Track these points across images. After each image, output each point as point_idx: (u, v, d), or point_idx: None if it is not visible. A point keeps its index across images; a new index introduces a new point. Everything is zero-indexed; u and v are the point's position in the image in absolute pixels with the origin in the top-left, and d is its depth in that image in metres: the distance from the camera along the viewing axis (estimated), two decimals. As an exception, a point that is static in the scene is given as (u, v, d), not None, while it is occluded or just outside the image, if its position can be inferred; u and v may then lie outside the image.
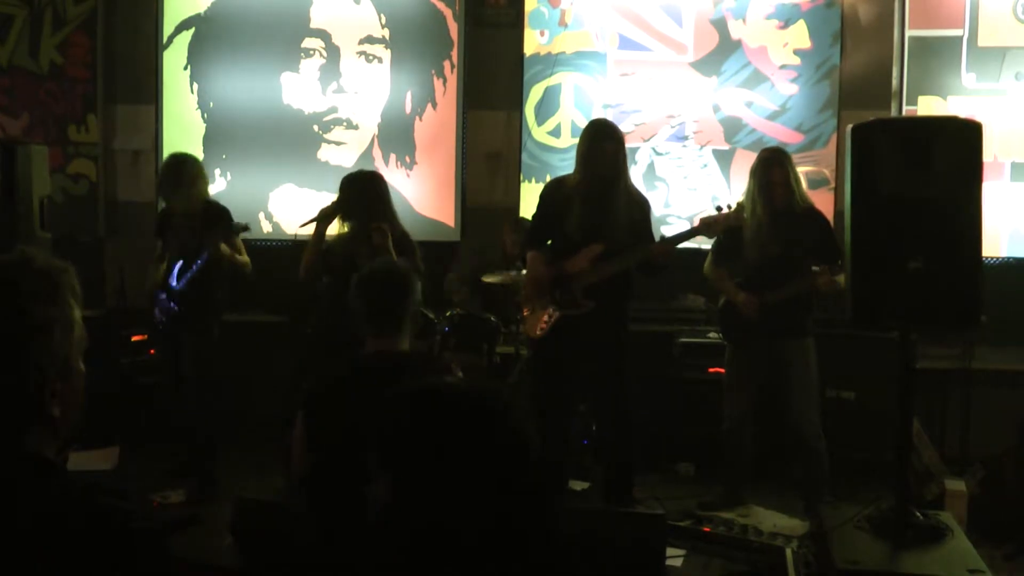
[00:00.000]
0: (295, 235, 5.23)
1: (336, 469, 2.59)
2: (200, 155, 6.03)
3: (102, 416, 5.40)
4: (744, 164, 5.44)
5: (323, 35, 6.54)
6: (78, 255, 4.71)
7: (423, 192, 6.57)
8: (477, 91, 6.54)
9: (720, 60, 6.34)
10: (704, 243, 5.24)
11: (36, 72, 6.54)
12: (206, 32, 6.57)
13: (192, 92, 6.58)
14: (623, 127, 5.22)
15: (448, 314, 5.40)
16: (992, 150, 5.99)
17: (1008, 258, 6.09)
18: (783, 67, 6.30)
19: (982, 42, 6.13)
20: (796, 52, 6.29)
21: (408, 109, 6.56)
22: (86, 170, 6.62)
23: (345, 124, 6.56)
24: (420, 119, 6.56)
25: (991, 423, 5.39)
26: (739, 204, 4.68)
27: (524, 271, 4.90)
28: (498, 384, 5.13)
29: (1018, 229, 6.12)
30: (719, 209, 4.63)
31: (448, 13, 6.51)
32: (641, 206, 4.67)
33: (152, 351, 5.91)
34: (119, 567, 1.36)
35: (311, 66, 6.55)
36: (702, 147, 6.39)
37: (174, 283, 5.17)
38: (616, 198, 4.51)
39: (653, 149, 6.41)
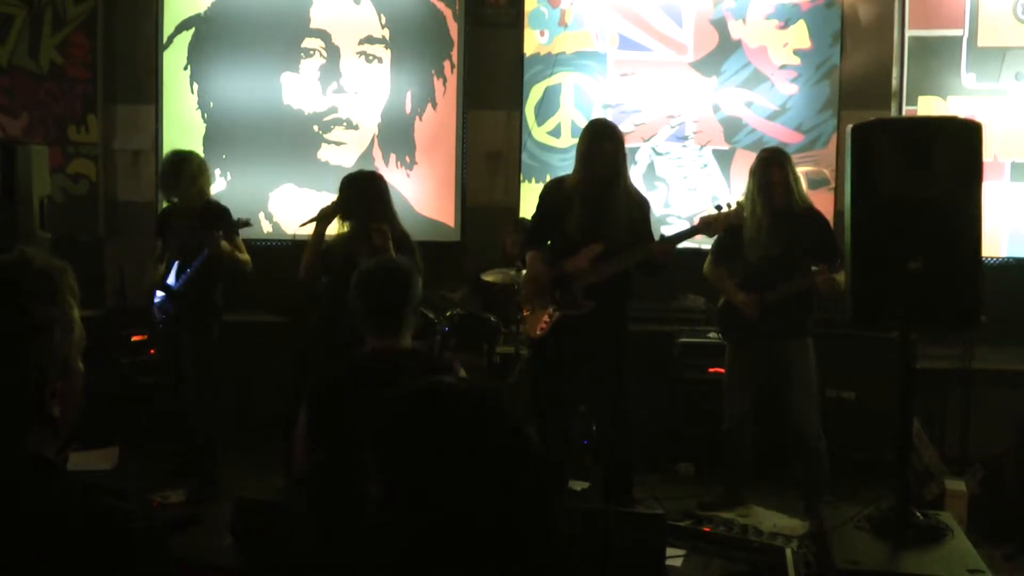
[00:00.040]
0: (294, 235, 5.23)
1: (338, 468, 2.59)
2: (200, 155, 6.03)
3: (102, 416, 5.40)
4: (744, 164, 5.44)
5: (323, 35, 6.54)
6: (78, 255, 4.73)
7: (423, 192, 6.57)
8: (477, 91, 6.54)
9: (720, 60, 6.34)
10: (704, 243, 5.24)
11: (36, 72, 6.54)
12: (206, 32, 6.57)
13: (192, 92, 6.59)
14: (623, 127, 5.23)
15: (448, 314, 5.40)
16: (992, 150, 5.99)
17: (1008, 258, 6.09)
18: (783, 67, 6.30)
19: (982, 42, 6.13)
20: (796, 52, 6.29)
21: (408, 109, 6.56)
22: (86, 170, 6.62)
23: (345, 124, 6.56)
24: (420, 119, 6.56)
25: (991, 423, 5.39)
26: (739, 203, 4.68)
27: (524, 271, 4.90)
28: (498, 384, 5.14)
29: (1018, 229, 6.12)
30: (719, 208, 4.63)
31: (448, 13, 6.51)
32: (641, 206, 4.67)
33: (152, 351, 5.91)
34: (119, 567, 1.36)
35: (311, 66, 6.55)
36: (702, 147, 6.39)
37: (173, 283, 5.17)
38: (616, 198, 4.51)
39: (653, 149, 6.41)
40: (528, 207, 5.95)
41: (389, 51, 6.55)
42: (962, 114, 5.68)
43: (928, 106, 6.17)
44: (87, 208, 6.61)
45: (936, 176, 3.44)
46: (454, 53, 6.52)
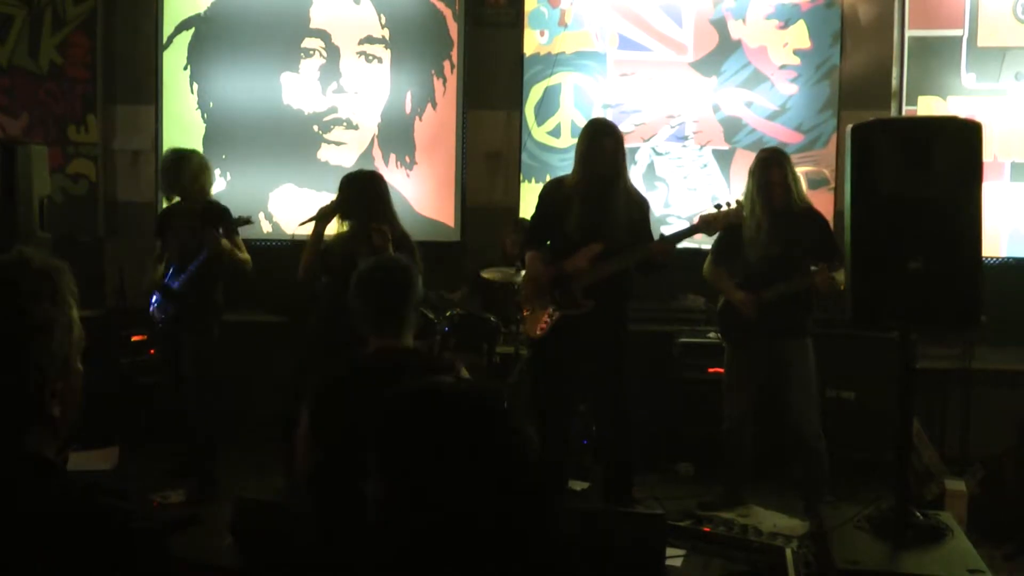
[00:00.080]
0: (293, 235, 5.22)
1: (339, 468, 2.59)
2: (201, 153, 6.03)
3: (102, 416, 5.40)
4: (744, 164, 5.44)
5: (323, 35, 6.54)
6: (78, 255, 4.72)
7: (423, 192, 6.57)
8: (477, 91, 6.54)
9: (720, 60, 6.34)
10: (704, 243, 5.24)
11: (36, 72, 6.54)
12: (206, 32, 6.57)
13: (192, 92, 6.59)
14: (623, 127, 5.23)
15: (448, 314, 5.39)
16: (992, 150, 5.99)
17: (1008, 258, 6.09)
18: (783, 67, 6.30)
19: (982, 42, 6.13)
20: (796, 52, 6.29)
21: (408, 109, 6.56)
22: (86, 170, 6.62)
23: (345, 124, 6.56)
24: (420, 119, 6.56)
25: (991, 423, 5.39)
26: (739, 202, 4.68)
27: (523, 271, 4.90)
28: (498, 384, 5.13)
29: (1018, 229, 6.12)
30: (718, 207, 4.63)
31: (448, 13, 6.51)
32: (640, 206, 4.67)
33: (152, 351, 5.91)
34: (119, 567, 1.36)
35: (311, 66, 6.55)
36: (702, 147, 6.39)
37: (173, 284, 5.17)
38: (615, 197, 4.51)
39: (653, 149, 6.41)
40: (528, 207, 5.95)
41: (389, 51, 6.55)
42: (962, 114, 5.67)
43: (928, 106, 6.17)
44: (87, 208, 6.61)
45: (936, 176, 3.44)
46: (454, 53, 6.52)
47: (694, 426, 5.51)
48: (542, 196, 4.78)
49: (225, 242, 5.09)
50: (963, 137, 3.48)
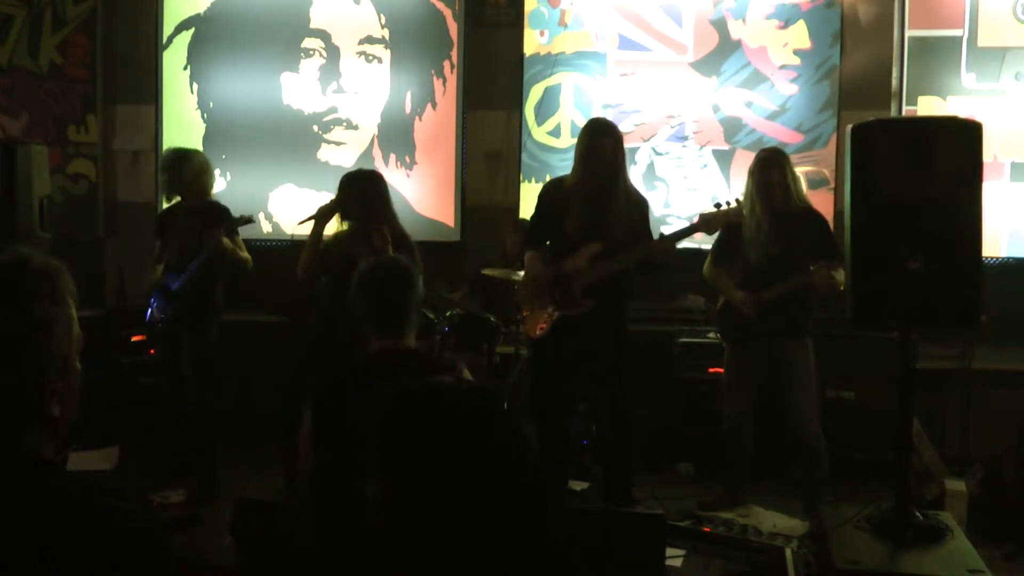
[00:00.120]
0: (292, 235, 5.22)
1: (339, 468, 2.59)
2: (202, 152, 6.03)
3: (102, 416, 5.40)
4: (744, 164, 5.44)
5: (323, 35, 6.54)
6: (78, 255, 4.73)
7: (423, 192, 6.57)
8: (477, 91, 6.54)
9: (720, 60, 6.34)
10: (704, 243, 5.24)
11: (36, 72, 6.54)
12: (206, 32, 6.57)
13: (192, 92, 6.59)
14: (623, 127, 5.23)
15: (448, 314, 5.39)
16: (992, 150, 5.99)
17: (1008, 258, 6.09)
18: (783, 67, 6.30)
19: (982, 42, 6.13)
20: (796, 52, 6.29)
21: (408, 109, 6.56)
22: (86, 170, 6.62)
23: (345, 124, 6.56)
24: (420, 119, 6.56)
25: (991, 423, 5.39)
26: (738, 201, 4.68)
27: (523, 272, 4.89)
28: (498, 384, 5.14)
29: (1018, 229, 6.12)
30: (718, 206, 4.63)
31: (448, 13, 6.51)
32: (640, 206, 4.67)
33: (152, 351, 5.91)
34: (119, 567, 1.36)
35: (311, 66, 6.55)
36: (702, 147, 6.39)
37: (172, 284, 5.16)
38: (615, 197, 4.51)
39: (653, 149, 6.41)
40: (528, 207, 5.95)
41: (389, 51, 6.55)
42: (962, 114, 5.67)
43: (928, 106, 6.17)
44: (87, 208, 6.61)
45: (936, 176, 3.44)
46: (454, 53, 6.52)
47: (694, 426, 5.51)
48: (541, 196, 4.77)
49: (226, 241, 5.10)
50: (963, 137, 3.48)
